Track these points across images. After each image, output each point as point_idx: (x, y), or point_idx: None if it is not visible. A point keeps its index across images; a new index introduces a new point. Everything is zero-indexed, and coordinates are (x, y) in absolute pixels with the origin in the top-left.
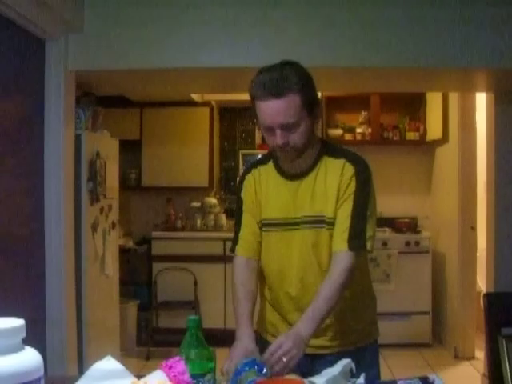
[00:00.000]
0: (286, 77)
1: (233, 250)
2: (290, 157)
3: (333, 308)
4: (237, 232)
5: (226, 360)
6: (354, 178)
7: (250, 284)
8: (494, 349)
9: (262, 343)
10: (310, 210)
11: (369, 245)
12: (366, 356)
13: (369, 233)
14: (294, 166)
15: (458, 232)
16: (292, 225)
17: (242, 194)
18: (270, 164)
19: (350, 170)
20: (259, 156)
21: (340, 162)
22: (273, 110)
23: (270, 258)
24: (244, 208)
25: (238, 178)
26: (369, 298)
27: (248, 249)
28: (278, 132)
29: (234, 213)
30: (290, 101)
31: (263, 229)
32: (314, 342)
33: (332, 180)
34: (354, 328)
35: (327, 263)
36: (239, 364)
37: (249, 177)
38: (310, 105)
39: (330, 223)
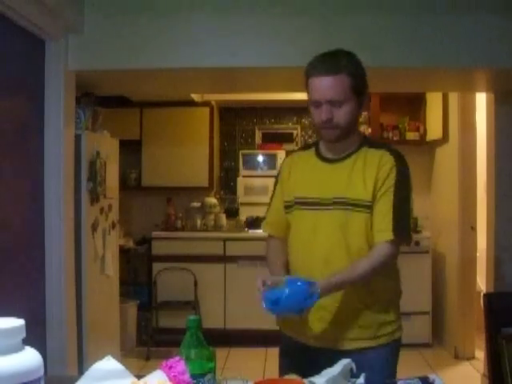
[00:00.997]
0: (340, 59)
1: (262, 226)
2: (333, 135)
3: (356, 282)
4: (267, 210)
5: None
6: (393, 170)
7: (280, 251)
8: (494, 349)
9: (285, 339)
10: (343, 192)
11: (411, 236)
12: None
13: (410, 225)
14: (335, 150)
15: (458, 232)
16: (323, 205)
17: (279, 176)
18: (312, 150)
19: (389, 161)
20: (259, 156)
21: (379, 152)
22: (323, 85)
23: (297, 236)
24: (278, 188)
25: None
26: (394, 294)
27: (272, 226)
28: (324, 107)
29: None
30: (339, 79)
31: (294, 206)
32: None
33: (371, 168)
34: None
35: (356, 246)
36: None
37: (287, 160)
38: (358, 90)
39: (366, 206)
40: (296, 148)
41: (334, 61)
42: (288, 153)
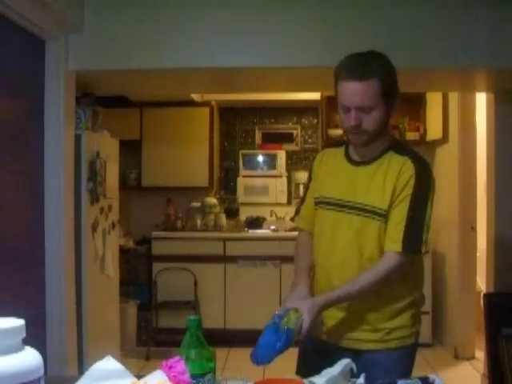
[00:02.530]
0: (371, 63)
1: (294, 220)
2: (360, 140)
3: (360, 295)
4: (299, 205)
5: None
6: (412, 178)
7: (308, 247)
8: (494, 349)
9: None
10: (363, 198)
11: (423, 248)
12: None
13: (424, 236)
14: (362, 153)
15: (457, 232)
16: (344, 207)
17: (311, 171)
18: (341, 149)
19: (410, 168)
20: (259, 156)
21: (402, 158)
22: (352, 90)
23: (320, 234)
24: (310, 183)
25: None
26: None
27: (305, 221)
28: (353, 112)
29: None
30: (369, 85)
31: (319, 205)
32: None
33: (391, 175)
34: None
35: (369, 253)
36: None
37: (318, 156)
38: (388, 95)
39: (381, 215)
40: (297, 148)
41: (365, 65)
42: (288, 153)
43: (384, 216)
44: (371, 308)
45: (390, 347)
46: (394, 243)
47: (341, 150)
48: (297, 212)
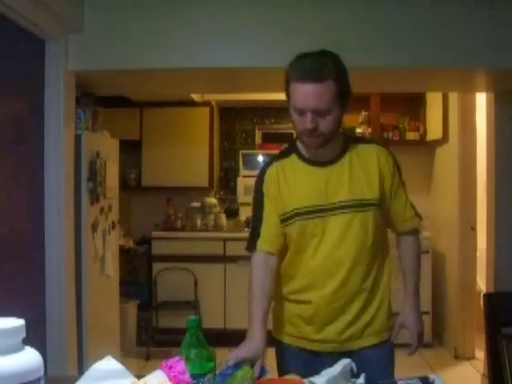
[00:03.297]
0: (326, 64)
1: (252, 245)
2: (316, 143)
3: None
4: (256, 227)
5: (229, 353)
6: (394, 164)
7: (267, 283)
8: (494, 349)
9: (277, 344)
10: (348, 194)
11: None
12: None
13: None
14: (320, 154)
15: (457, 232)
16: (328, 210)
17: (264, 188)
18: (293, 156)
19: (387, 156)
20: (259, 156)
21: (371, 147)
22: (309, 93)
23: (303, 246)
24: (266, 201)
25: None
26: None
27: (271, 242)
28: (310, 116)
29: (253, 208)
30: (326, 87)
31: (294, 218)
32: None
33: (371, 165)
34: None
35: (367, 245)
36: (231, 363)
37: (271, 170)
38: (343, 95)
39: (373, 204)
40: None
41: (319, 66)
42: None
43: (375, 204)
44: (362, 302)
45: (383, 340)
46: (412, 220)
47: (293, 158)
48: (254, 236)
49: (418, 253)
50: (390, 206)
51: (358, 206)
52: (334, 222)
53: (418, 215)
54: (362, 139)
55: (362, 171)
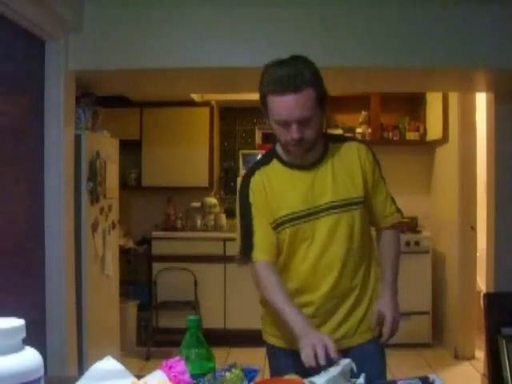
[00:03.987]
0: (302, 72)
1: (247, 256)
2: (302, 151)
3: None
4: (249, 238)
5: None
6: (374, 159)
7: (279, 279)
8: (494, 349)
9: (270, 347)
10: (333, 196)
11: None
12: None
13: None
14: (305, 158)
15: (458, 232)
16: (316, 213)
17: (251, 198)
18: (275, 162)
19: (367, 151)
20: (259, 156)
21: (350, 144)
22: (290, 104)
23: (295, 250)
24: (254, 212)
25: (238, 185)
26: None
27: (268, 251)
28: (294, 126)
29: (241, 220)
30: (306, 95)
31: (285, 225)
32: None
33: (352, 163)
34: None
35: (359, 240)
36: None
37: (255, 179)
38: (322, 99)
39: (359, 203)
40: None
41: (296, 74)
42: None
43: (361, 202)
44: (354, 299)
45: (375, 335)
46: (393, 216)
47: (275, 164)
48: (248, 247)
49: (396, 246)
50: (372, 201)
51: (344, 205)
52: (323, 224)
53: (398, 210)
54: (340, 137)
55: (344, 170)
